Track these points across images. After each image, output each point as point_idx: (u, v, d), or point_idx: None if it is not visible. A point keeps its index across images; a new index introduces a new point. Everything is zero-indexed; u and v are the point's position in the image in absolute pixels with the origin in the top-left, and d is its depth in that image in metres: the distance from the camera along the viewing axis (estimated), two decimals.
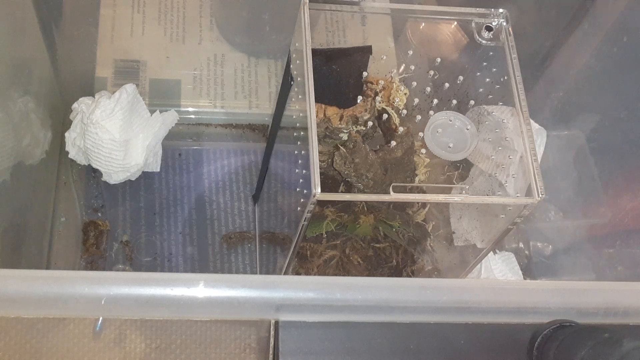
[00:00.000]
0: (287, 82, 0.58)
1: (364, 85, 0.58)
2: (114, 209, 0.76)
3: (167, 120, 0.76)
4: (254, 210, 0.79)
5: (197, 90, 0.82)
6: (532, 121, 0.62)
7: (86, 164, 0.75)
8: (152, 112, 0.75)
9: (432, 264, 0.65)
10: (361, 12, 0.57)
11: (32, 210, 0.69)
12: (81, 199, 0.76)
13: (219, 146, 0.82)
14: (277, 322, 0.43)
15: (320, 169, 0.48)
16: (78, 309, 0.40)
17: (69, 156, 0.74)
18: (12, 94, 0.64)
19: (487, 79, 0.57)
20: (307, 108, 0.49)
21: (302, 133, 0.51)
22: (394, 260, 0.63)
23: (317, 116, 0.54)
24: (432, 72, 0.58)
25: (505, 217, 0.54)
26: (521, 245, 0.81)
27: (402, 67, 0.59)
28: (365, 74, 0.57)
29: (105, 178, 0.74)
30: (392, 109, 0.57)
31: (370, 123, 0.56)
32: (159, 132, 0.75)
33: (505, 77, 0.54)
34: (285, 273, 0.59)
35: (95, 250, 0.73)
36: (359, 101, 0.57)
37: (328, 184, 0.56)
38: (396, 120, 0.57)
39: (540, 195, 0.50)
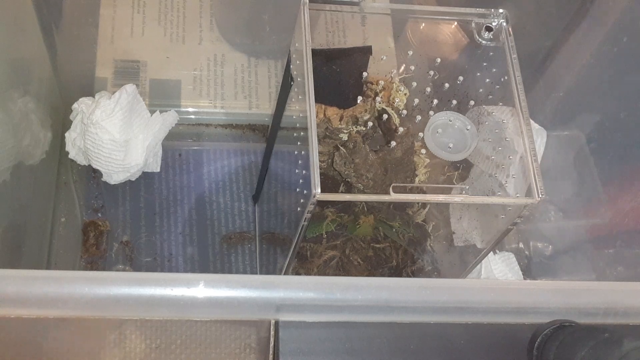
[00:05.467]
0: (287, 83, 0.58)
1: (364, 86, 0.58)
2: (114, 209, 0.76)
3: (167, 120, 0.76)
4: (254, 211, 0.79)
5: (197, 90, 0.82)
6: (532, 121, 0.62)
7: (86, 164, 0.75)
8: (152, 112, 0.75)
9: (432, 265, 0.64)
10: (361, 13, 0.58)
11: (32, 210, 0.69)
12: (81, 199, 0.76)
13: (219, 146, 0.82)
14: (277, 322, 0.43)
15: (320, 169, 0.48)
16: (78, 309, 0.40)
17: (69, 156, 0.74)
18: (12, 94, 0.64)
19: (487, 79, 0.57)
20: (307, 108, 0.49)
21: (302, 133, 0.51)
22: (394, 261, 0.63)
23: (317, 116, 0.54)
24: (432, 73, 0.58)
25: (505, 218, 0.54)
26: (521, 245, 0.81)
27: (402, 68, 0.59)
28: (365, 74, 0.57)
29: (105, 178, 0.74)
30: (392, 109, 0.57)
31: (370, 123, 0.56)
32: (159, 132, 0.75)
33: (505, 78, 0.54)
34: (285, 273, 0.59)
35: (95, 251, 0.73)
36: (359, 101, 0.57)
37: (328, 185, 0.56)
38: (396, 120, 0.57)
39: (540, 196, 0.50)
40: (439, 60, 0.58)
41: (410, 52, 0.59)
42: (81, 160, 0.75)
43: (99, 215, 0.75)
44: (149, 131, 0.74)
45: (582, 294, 0.45)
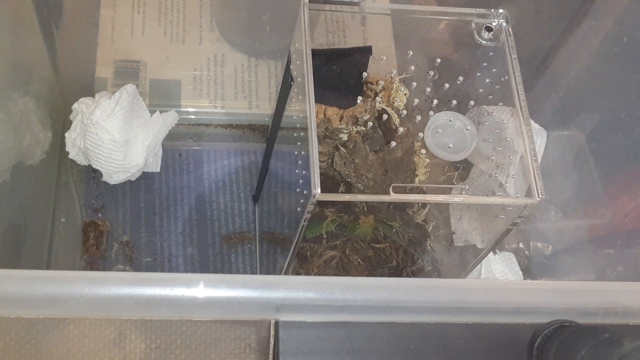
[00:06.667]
0: (287, 83, 0.58)
1: (364, 86, 0.58)
2: (114, 209, 0.76)
3: (167, 120, 0.76)
4: (254, 211, 0.79)
5: (197, 90, 0.82)
6: (532, 121, 0.62)
7: (86, 164, 0.75)
8: (152, 112, 0.75)
9: (432, 265, 0.65)
10: (361, 13, 0.58)
11: (32, 210, 0.69)
12: (81, 200, 0.76)
13: (219, 146, 0.82)
14: (277, 322, 0.43)
15: (320, 169, 0.48)
16: (78, 309, 0.40)
17: (69, 156, 0.74)
18: (12, 94, 0.64)
19: (487, 80, 0.57)
20: (307, 108, 0.49)
21: (302, 133, 0.51)
22: (394, 261, 0.63)
23: (317, 116, 0.54)
24: (432, 73, 0.58)
25: (505, 218, 0.54)
26: (521, 245, 0.81)
27: (402, 68, 0.59)
28: (365, 74, 0.57)
29: (105, 178, 0.74)
30: (392, 110, 0.57)
31: (370, 123, 0.56)
32: (159, 132, 0.75)
33: (505, 78, 0.54)
34: (286, 273, 0.59)
35: (96, 251, 0.73)
36: (359, 102, 0.57)
37: (328, 185, 0.56)
38: (396, 120, 0.57)
39: (540, 196, 0.50)
40: (439, 60, 0.58)
41: (410, 52, 0.59)
42: (81, 160, 0.75)
43: (99, 215, 0.75)
44: (149, 131, 0.74)
45: (582, 294, 0.45)
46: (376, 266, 0.62)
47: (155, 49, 0.82)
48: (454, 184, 0.60)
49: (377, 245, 0.62)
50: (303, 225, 0.51)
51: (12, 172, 0.63)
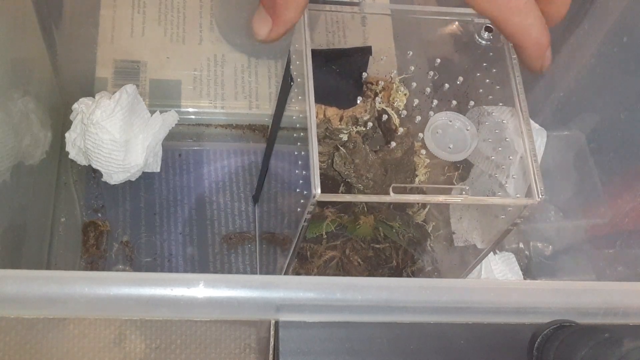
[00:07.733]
0: (287, 83, 0.58)
1: (364, 86, 0.58)
2: (114, 209, 0.76)
3: (167, 120, 0.76)
4: (254, 211, 0.79)
5: (197, 90, 0.82)
6: (532, 122, 0.62)
7: (86, 165, 0.75)
8: (152, 112, 0.75)
9: (432, 265, 0.65)
10: (361, 13, 0.57)
11: (32, 210, 0.69)
12: (81, 200, 0.76)
13: (219, 147, 0.82)
14: (277, 322, 0.43)
15: (320, 169, 0.48)
16: (78, 309, 0.40)
17: (69, 157, 0.74)
18: (12, 94, 0.64)
19: (487, 80, 0.57)
20: (306, 109, 0.49)
21: (302, 134, 0.51)
22: (394, 261, 0.63)
23: (317, 117, 0.54)
24: (431, 73, 0.58)
25: (505, 218, 0.54)
26: (521, 245, 0.81)
27: (402, 68, 0.59)
28: (365, 74, 0.57)
29: (105, 178, 0.74)
30: (392, 110, 0.57)
31: (370, 124, 0.56)
32: (159, 132, 0.75)
33: (505, 78, 0.54)
34: (286, 274, 0.59)
35: (95, 251, 0.73)
36: (358, 102, 0.57)
37: (328, 185, 0.56)
38: (396, 120, 0.57)
39: (540, 196, 0.50)
40: (438, 60, 0.58)
41: (410, 53, 0.59)
42: (81, 161, 0.75)
43: (99, 215, 0.75)
44: (149, 131, 0.74)
45: (582, 294, 0.45)
46: (376, 266, 0.62)
47: (155, 49, 0.82)
48: (454, 184, 0.60)
49: (377, 246, 0.62)
50: (303, 226, 0.51)
51: (12, 172, 0.63)
